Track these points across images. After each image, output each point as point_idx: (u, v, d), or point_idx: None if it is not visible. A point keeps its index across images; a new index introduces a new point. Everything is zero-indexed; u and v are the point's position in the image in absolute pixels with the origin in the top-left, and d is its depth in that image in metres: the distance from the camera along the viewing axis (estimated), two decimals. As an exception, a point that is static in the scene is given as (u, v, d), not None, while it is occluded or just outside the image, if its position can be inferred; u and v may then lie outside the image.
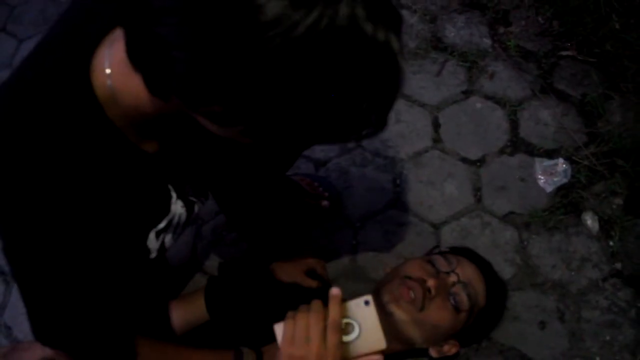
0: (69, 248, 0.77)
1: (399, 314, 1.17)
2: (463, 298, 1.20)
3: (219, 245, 1.56)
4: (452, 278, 1.21)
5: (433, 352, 1.24)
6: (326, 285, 1.37)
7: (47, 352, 1.38)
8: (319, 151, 1.65)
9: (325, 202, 1.53)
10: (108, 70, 0.71)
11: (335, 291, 0.96)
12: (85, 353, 0.91)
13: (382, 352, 0.99)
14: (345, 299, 0.99)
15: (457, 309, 1.19)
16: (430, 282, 1.18)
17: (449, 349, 1.24)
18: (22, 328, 1.48)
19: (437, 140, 1.65)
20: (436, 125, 1.68)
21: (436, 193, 1.57)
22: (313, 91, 0.58)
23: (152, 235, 0.91)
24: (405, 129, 1.68)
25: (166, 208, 0.92)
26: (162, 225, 0.92)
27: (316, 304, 0.96)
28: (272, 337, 1.18)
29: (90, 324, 0.87)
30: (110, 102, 0.73)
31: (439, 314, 1.18)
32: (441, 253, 1.30)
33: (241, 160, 1.04)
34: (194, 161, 0.94)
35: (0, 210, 0.75)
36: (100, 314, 0.87)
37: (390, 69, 0.61)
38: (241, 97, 0.58)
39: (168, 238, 0.97)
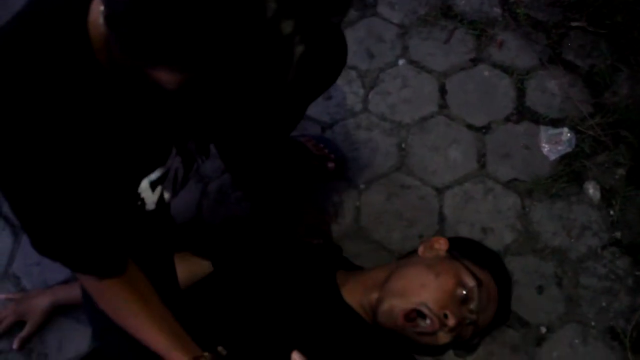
0: (57, 177, 0.79)
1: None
2: (467, 336, 1.20)
3: (224, 203, 1.58)
4: (473, 318, 1.17)
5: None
6: (328, 241, 1.39)
7: (55, 298, 1.43)
8: (325, 114, 1.67)
9: (331, 164, 1.55)
10: (102, 7, 0.72)
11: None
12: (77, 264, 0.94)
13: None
14: None
15: (456, 338, 1.19)
16: (451, 322, 1.12)
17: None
18: (31, 278, 1.51)
19: (443, 106, 1.66)
20: (443, 91, 1.69)
21: (440, 158, 1.58)
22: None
23: (144, 183, 0.93)
24: (411, 94, 1.68)
25: (162, 159, 0.93)
26: (155, 175, 0.93)
27: None
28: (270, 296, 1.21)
29: (80, 243, 0.90)
30: (102, 42, 0.73)
31: (433, 338, 1.17)
32: (478, 262, 1.23)
33: (235, 118, 1.04)
34: (179, 113, 0.94)
35: None
36: (91, 235, 0.90)
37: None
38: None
39: (167, 194, 0.98)
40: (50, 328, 1.44)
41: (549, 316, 1.38)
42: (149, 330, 1.00)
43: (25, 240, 1.56)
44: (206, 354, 1.01)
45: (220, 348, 1.03)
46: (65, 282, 1.48)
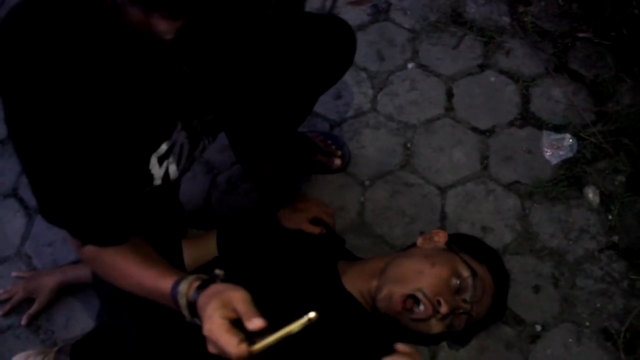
0: (72, 142, 0.82)
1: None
2: (460, 326, 1.22)
3: (233, 194, 1.63)
4: (466, 307, 1.19)
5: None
6: (331, 233, 1.43)
7: (64, 277, 1.47)
8: (334, 112, 1.71)
9: (337, 160, 1.59)
10: None
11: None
12: (83, 232, 0.96)
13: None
14: None
15: (449, 327, 1.21)
16: (444, 309, 1.15)
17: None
18: (42, 258, 1.56)
19: (449, 109, 1.71)
20: (450, 95, 1.73)
21: (444, 158, 1.62)
22: None
23: (154, 160, 0.96)
24: (419, 96, 1.73)
25: (167, 132, 0.96)
26: (162, 149, 0.96)
27: None
28: (272, 282, 1.24)
29: (88, 211, 0.91)
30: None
31: (427, 325, 1.20)
32: (476, 256, 1.25)
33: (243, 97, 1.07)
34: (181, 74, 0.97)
35: (12, 103, 0.80)
36: (98, 203, 0.91)
37: None
38: None
39: (172, 169, 1.01)
40: (58, 306, 1.49)
41: (544, 315, 1.41)
42: (138, 270, 0.95)
43: (38, 221, 1.61)
44: (201, 275, 0.91)
45: (217, 270, 0.91)
46: (75, 262, 1.53)
